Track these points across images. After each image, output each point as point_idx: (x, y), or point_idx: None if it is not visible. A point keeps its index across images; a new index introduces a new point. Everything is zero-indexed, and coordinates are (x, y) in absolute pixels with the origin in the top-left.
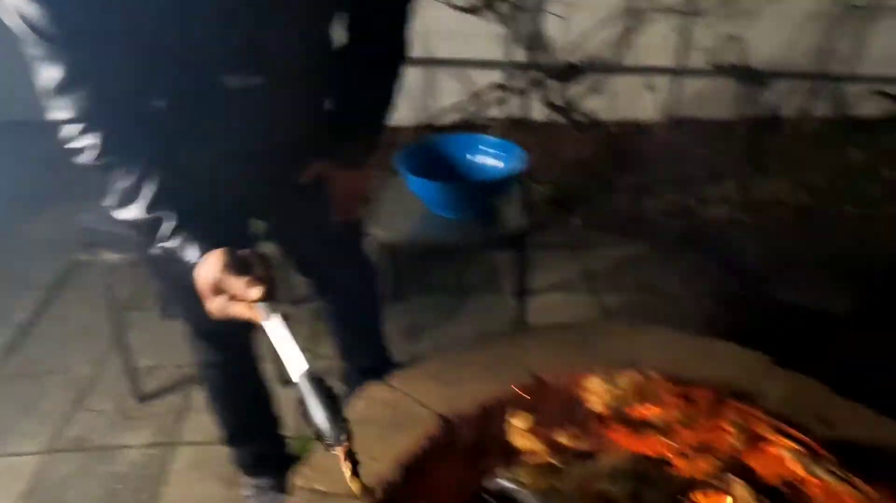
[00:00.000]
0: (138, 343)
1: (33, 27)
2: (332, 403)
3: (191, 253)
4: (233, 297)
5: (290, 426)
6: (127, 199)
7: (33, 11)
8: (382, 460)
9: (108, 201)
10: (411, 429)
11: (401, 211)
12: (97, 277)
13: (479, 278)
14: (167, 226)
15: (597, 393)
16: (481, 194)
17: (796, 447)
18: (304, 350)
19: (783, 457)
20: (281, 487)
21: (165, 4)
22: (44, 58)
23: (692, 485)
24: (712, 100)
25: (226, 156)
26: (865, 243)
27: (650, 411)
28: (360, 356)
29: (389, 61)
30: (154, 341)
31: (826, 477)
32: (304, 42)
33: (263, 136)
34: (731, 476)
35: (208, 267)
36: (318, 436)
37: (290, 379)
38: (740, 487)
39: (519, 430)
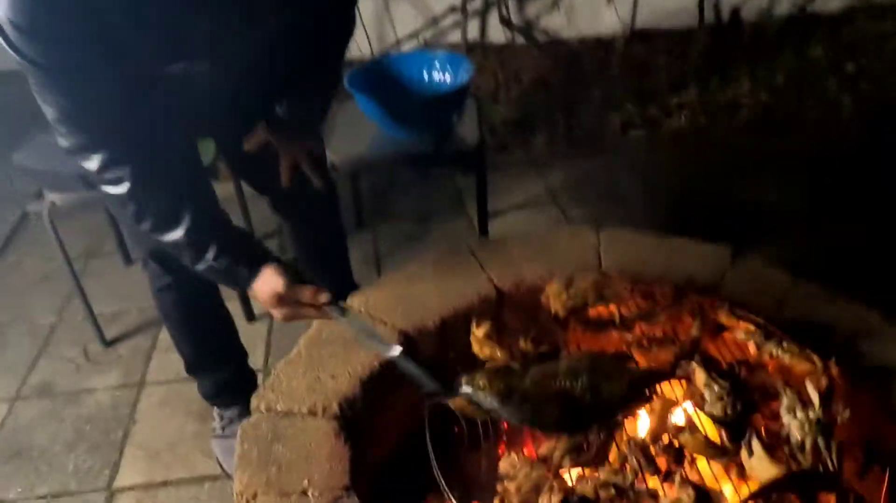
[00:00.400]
0: (101, 290)
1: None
2: (426, 369)
3: (242, 272)
4: (302, 305)
5: (258, 360)
6: (166, 223)
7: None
8: (342, 378)
9: (145, 225)
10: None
11: (354, 133)
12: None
13: (441, 203)
14: (212, 250)
15: (556, 296)
16: (433, 110)
17: (751, 329)
18: None
19: (739, 340)
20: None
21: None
22: (41, 88)
23: (652, 375)
24: (672, 10)
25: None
26: (824, 139)
27: (609, 310)
28: (325, 279)
29: (335, 42)
30: (116, 287)
31: (779, 353)
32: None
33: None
34: (689, 363)
35: (269, 283)
36: (429, 394)
37: (255, 314)
38: (699, 373)
39: (480, 340)
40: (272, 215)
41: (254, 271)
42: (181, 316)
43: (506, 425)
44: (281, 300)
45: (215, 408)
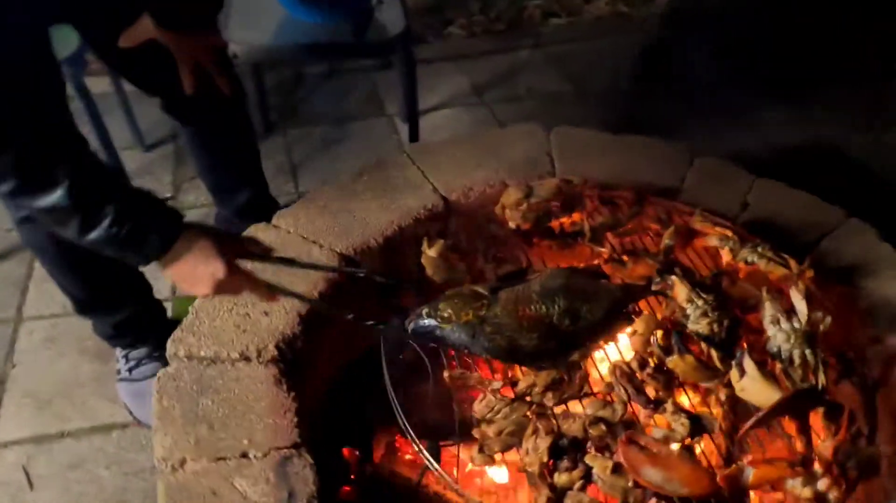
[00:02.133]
0: None
1: None
2: None
3: (152, 241)
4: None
5: (163, 287)
6: (37, 181)
7: None
8: (277, 313)
9: (5, 187)
10: (307, 273)
11: (256, 18)
12: None
13: (357, 103)
14: (108, 213)
15: (514, 207)
16: None
17: (727, 234)
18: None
19: (713, 247)
20: (159, 356)
21: None
22: None
23: (631, 292)
24: None
25: None
26: (741, 23)
27: (574, 220)
28: (236, 194)
29: None
30: None
31: (755, 260)
32: None
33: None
34: (668, 276)
35: (199, 262)
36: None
37: None
38: (679, 287)
39: (433, 260)
40: (165, 118)
41: (168, 238)
42: (56, 249)
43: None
44: (219, 287)
45: (118, 348)
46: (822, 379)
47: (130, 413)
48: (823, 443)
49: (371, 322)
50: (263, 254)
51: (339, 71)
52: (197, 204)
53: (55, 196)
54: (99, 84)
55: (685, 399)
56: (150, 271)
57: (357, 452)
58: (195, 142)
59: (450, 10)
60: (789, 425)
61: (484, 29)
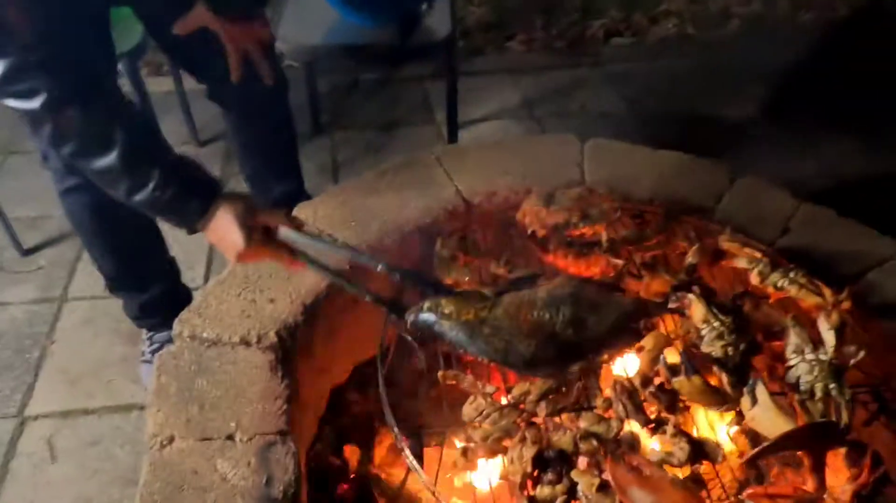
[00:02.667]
0: (18, 191)
1: None
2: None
3: (192, 205)
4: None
5: (195, 275)
6: (95, 144)
7: None
8: (282, 301)
9: (67, 148)
10: (325, 256)
11: (308, 19)
12: None
13: (408, 110)
14: (154, 177)
15: (534, 213)
16: None
17: (756, 256)
18: None
19: (741, 269)
20: None
21: None
22: None
23: (643, 308)
24: None
25: None
26: (818, 51)
27: (595, 230)
28: (271, 186)
29: None
30: (37, 189)
31: (786, 285)
32: None
33: None
34: (685, 294)
35: (226, 231)
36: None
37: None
38: (697, 306)
39: (445, 261)
40: (219, 117)
41: (206, 204)
42: (95, 224)
43: (468, 358)
44: (241, 257)
45: (144, 330)
46: (845, 416)
47: None
48: (842, 486)
49: (383, 305)
50: (295, 227)
51: (392, 79)
52: None
53: (109, 158)
54: (162, 84)
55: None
56: (185, 259)
57: (358, 451)
58: (236, 129)
59: (512, 25)
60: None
61: (544, 45)
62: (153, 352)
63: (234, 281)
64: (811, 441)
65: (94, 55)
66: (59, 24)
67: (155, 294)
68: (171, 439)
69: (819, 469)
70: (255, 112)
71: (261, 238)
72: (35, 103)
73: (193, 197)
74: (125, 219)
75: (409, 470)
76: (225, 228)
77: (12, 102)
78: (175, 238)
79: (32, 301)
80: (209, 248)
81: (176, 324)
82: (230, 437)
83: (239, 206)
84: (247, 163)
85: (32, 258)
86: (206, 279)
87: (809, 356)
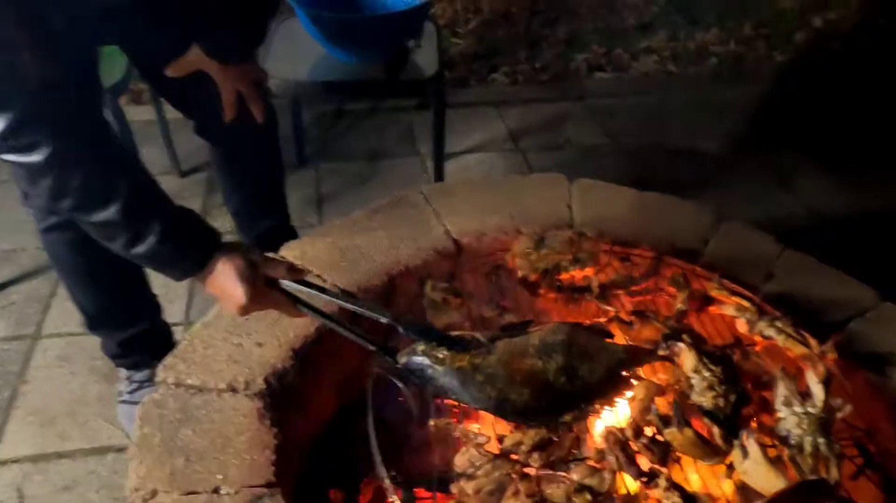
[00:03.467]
0: None
1: None
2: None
3: (191, 258)
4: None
5: (175, 311)
6: (96, 198)
7: None
8: (270, 345)
9: (66, 202)
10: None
11: (295, 55)
12: None
13: (392, 142)
14: (154, 232)
15: (524, 256)
16: (386, 30)
17: (744, 304)
18: None
19: (729, 317)
20: None
21: None
22: None
23: (634, 355)
24: None
25: None
26: (791, 89)
27: (585, 274)
28: (257, 221)
29: None
30: (11, 221)
31: (773, 335)
32: None
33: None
34: (676, 343)
35: (227, 284)
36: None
37: None
38: (687, 355)
39: (435, 303)
40: (202, 147)
41: (206, 257)
42: (77, 261)
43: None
44: (243, 311)
45: (122, 369)
46: (834, 473)
47: (127, 436)
48: None
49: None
50: (296, 279)
51: (377, 109)
52: (222, 230)
53: (109, 212)
54: (143, 113)
55: (692, 474)
56: (165, 294)
57: (344, 495)
58: (224, 164)
59: (497, 57)
60: None
61: (528, 78)
62: (132, 392)
63: (221, 324)
64: (802, 498)
65: (94, 102)
66: (62, 69)
67: (135, 332)
68: (154, 493)
69: None
70: (244, 148)
71: (263, 289)
72: (37, 157)
73: (194, 250)
74: (108, 257)
75: None
76: (225, 282)
77: (12, 157)
78: (152, 272)
79: (3, 339)
80: (190, 282)
81: (160, 371)
82: (216, 491)
83: (238, 259)
84: (233, 197)
85: (4, 293)
86: (188, 314)
87: (798, 409)
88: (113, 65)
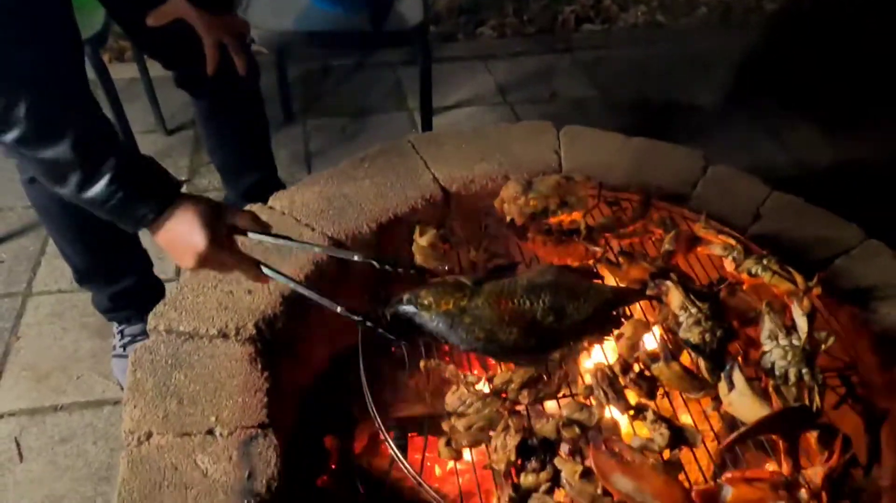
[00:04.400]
0: None
1: None
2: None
3: (145, 207)
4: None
5: (166, 267)
6: (45, 130)
7: None
8: (261, 292)
9: (12, 133)
10: (295, 255)
11: (277, 5)
12: None
13: (381, 97)
14: (106, 172)
15: (512, 201)
16: None
17: (731, 243)
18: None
19: (716, 256)
20: None
21: None
22: None
23: (622, 295)
24: None
25: None
26: (780, 39)
27: (573, 218)
28: (243, 175)
29: None
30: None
31: (759, 272)
32: None
33: None
34: (663, 281)
35: (185, 233)
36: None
37: None
38: (674, 293)
39: (423, 250)
40: (188, 105)
41: (167, 200)
42: (63, 214)
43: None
44: (202, 261)
45: (115, 323)
46: (817, 400)
47: (122, 389)
48: (814, 469)
49: (351, 314)
50: (262, 230)
51: (364, 65)
52: (210, 188)
53: (60, 148)
54: (126, 70)
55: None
56: (154, 249)
57: (339, 442)
58: (207, 118)
59: (484, 11)
60: (781, 446)
61: (515, 31)
62: (125, 346)
63: (210, 273)
64: (785, 425)
65: (53, 35)
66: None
67: (126, 286)
68: (149, 435)
69: (793, 452)
70: (227, 101)
71: (225, 240)
72: None
73: (152, 194)
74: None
75: (392, 460)
76: (183, 229)
77: None
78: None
79: None
80: None
81: (151, 319)
82: (210, 432)
83: (202, 205)
84: (218, 152)
85: None
86: (178, 270)
87: (783, 342)
88: (92, 16)
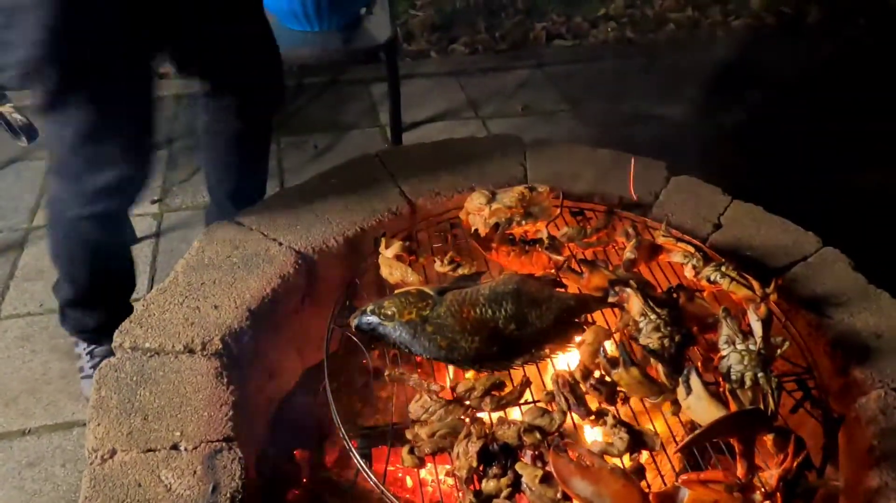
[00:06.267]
0: None
1: None
2: None
3: None
4: None
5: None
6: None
7: None
8: (227, 307)
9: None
10: (262, 269)
11: None
12: None
13: (353, 113)
14: None
15: (477, 212)
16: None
17: (690, 251)
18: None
19: (676, 263)
20: None
21: None
22: None
23: (583, 302)
24: None
25: None
26: (745, 54)
27: (536, 228)
28: (241, 177)
29: None
30: None
31: (718, 279)
32: None
33: None
34: (624, 289)
35: None
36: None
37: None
38: (634, 300)
39: (389, 261)
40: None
41: None
42: (88, 246)
43: (418, 359)
44: None
45: (83, 343)
46: (771, 403)
47: None
48: (770, 471)
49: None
50: None
51: (337, 83)
52: (183, 206)
53: None
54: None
55: (637, 410)
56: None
57: (311, 455)
58: (233, 137)
59: (456, 28)
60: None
61: (487, 47)
62: (94, 367)
63: (177, 289)
64: (741, 428)
65: None
66: None
67: (111, 311)
68: (113, 452)
69: (748, 455)
70: (251, 97)
71: None
72: None
73: None
74: (114, 238)
75: (357, 471)
76: None
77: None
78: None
79: None
80: (153, 257)
81: (116, 336)
82: (175, 447)
83: None
84: (219, 168)
85: None
86: (150, 288)
87: (740, 346)
88: None
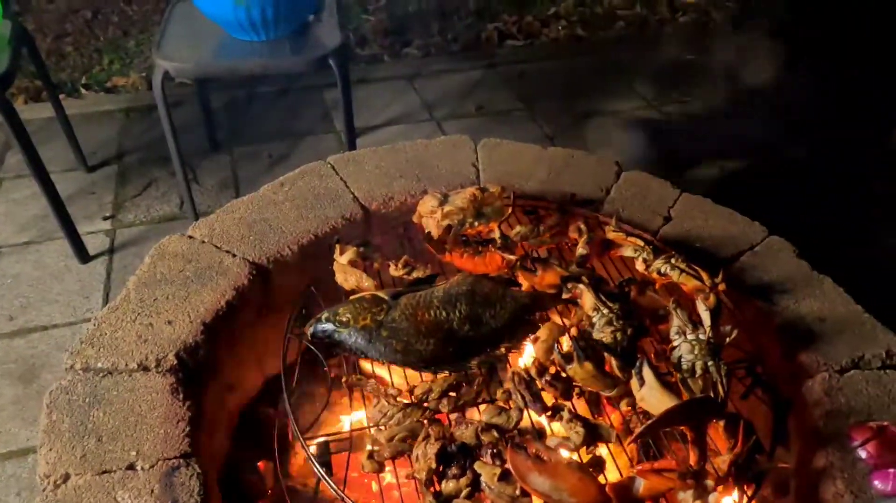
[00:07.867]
0: None
1: None
2: None
3: None
4: None
5: (92, 305)
6: None
7: None
8: (181, 322)
9: None
10: (216, 282)
11: (192, 38)
12: None
13: (308, 120)
14: None
15: (430, 215)
16: (282, 6)
17: (640, 245)
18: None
19: (627, 257)
20: None
21: None
22: None
23: (537, 300)
24: None
25: None
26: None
27: (489, 228)
28: None
29: None
30: None
31: (668, 271)
32: None
33: None
34: (576, 285)
35: None
36: None
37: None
38: (586, 295)
39: (344, 268)
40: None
41: None
42: None
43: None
44: None
45: None
46: (721, 391)
47: None
48: (721, 457)
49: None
50: None
51: (290, 89)
52: (136, 222)
53: None
54: (43, 110)
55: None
56: (80, 289)
57: (275, 464)
58: None
59: (409, 32)
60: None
61: (440, 49)
62: None
63: (129, 306)
64: (692, 416)
65: None
66: None
67: None
68: (66, 477)
69: (700, 442)
70: None
71: None
72: None
73: None
74: None
75: (318, 479)
76: None
77: None
78: (68, 268)
79: None
80: (107, 275)
81: (66, 358)
82: (131, 467)
83: None
84: None
85: None
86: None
87: (690, 336)
88: None
